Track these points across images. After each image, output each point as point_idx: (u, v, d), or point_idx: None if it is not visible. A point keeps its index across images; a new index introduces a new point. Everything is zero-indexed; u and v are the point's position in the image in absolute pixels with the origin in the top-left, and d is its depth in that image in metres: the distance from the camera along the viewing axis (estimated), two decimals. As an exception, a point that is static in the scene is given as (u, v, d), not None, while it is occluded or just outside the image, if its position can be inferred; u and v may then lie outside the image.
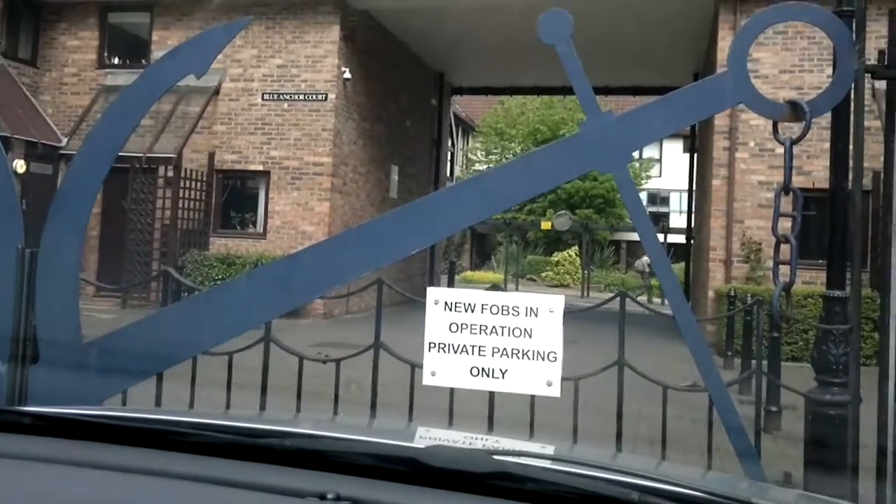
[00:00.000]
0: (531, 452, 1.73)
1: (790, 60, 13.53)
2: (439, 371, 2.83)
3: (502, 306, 2.76)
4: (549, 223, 31.06)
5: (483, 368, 2.79)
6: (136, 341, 2.68)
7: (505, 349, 2.77)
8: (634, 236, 40.58)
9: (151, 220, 15.46)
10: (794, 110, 2.66)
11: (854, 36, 2.80)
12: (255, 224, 16.49)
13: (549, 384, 2.75)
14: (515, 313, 2.76)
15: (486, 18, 16.80)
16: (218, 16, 16.24)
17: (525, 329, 2.75)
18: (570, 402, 3.42)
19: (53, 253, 2.66)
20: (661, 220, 32.87)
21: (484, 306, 2.78)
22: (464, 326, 2.79)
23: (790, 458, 6.05)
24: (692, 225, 20.49)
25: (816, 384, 5.07)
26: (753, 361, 8.82)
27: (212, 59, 2.84)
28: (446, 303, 2.81)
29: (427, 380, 2.84)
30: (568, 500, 1.35)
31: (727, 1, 14.07)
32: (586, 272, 32.04)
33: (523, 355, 2.76)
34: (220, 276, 14.93)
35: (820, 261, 9.07)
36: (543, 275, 35.47)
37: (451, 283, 25.05)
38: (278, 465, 1.45)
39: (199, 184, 16.04)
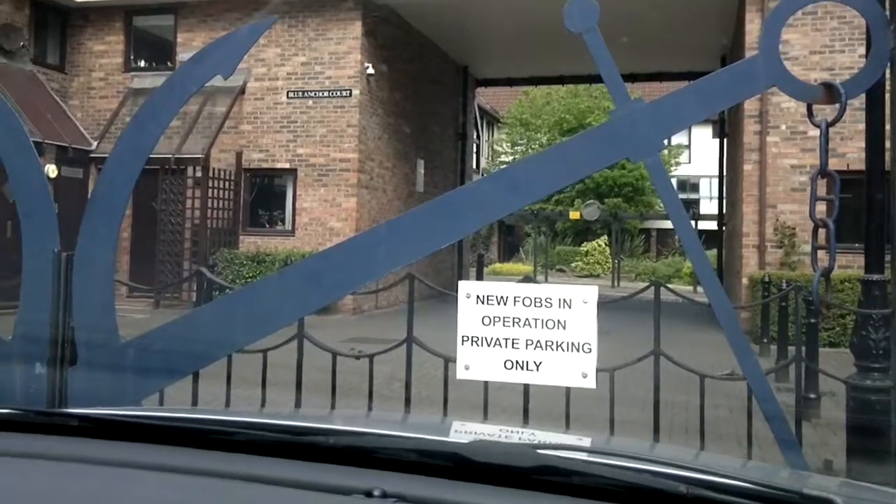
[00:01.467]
0: (574, 446, 1.72)
1: (821, 41, 13.32)
2: (473, 365, 2.81)
3: (535, 298, 2.74)
4: (578, 213, 30.94)
5: (517, 361, 2.76)
6: (172, 341, 2.68)
7: (539, 341, 2.73)
8: (665, 224, 40.48)
9: (182, 220, 15.59)
10: (829, 92, 2.60)
11: (889, 14, 2.74)
12: (283, 221, 16.57)
13: (585, 376, 2.72)
14: (549, 305, 2.73)
15: (509, 9, 16.72)
16: (242, 16, 16.32)
17: (559, 320, 2.72)
18: (604, 392, 3.39)
19: (89, 255, 2.70)
20: (691, 207, 32.63)
21: (516, 299, 2.75)
22: (496, 319, 2.76)
23: (830, 446, 5.98)
24: (723, 211, 20.30)
25: (856, 370, 5.00)
26: (790, 348, 8.76)
27: (238, 59, 2.80)
28: (478, 296, 2.78)
29: (461, 374, 2.82)
30: (613, 494, 1.33)
31: (753, -17, 13.88)
32: (616, 261, 31.87)
33: (557, 347, 2.73)
34: (250, 274, 15.03)
35: (856, 244, 8.98)
36: (573, 265, 35.35)
37: (479, 276, 25.03)
38: (323, 462, 1.44)
39: (227, 183, 16.14)
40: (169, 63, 17.02)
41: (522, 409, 3.36)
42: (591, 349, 2.71)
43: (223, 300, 3.02)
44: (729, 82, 2.68)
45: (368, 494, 1.29)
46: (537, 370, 2.75)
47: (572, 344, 2.71)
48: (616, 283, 29.35)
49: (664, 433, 3.61)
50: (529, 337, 2.74)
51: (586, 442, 1.92)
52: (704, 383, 3.36)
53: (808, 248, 13.14)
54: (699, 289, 3.69)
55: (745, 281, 13.53)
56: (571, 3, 2.62)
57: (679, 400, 3.50)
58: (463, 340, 2.79)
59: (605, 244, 35.24)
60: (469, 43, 19.92)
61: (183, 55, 16.71)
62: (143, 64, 17.66)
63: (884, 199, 4.81)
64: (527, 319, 2.74)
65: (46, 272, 2.72)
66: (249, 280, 15.01)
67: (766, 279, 11.39)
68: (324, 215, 15.92)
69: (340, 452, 1.47)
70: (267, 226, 16.62)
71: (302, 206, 16.10)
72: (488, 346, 2.77)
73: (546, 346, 2.73)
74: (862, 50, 9.05)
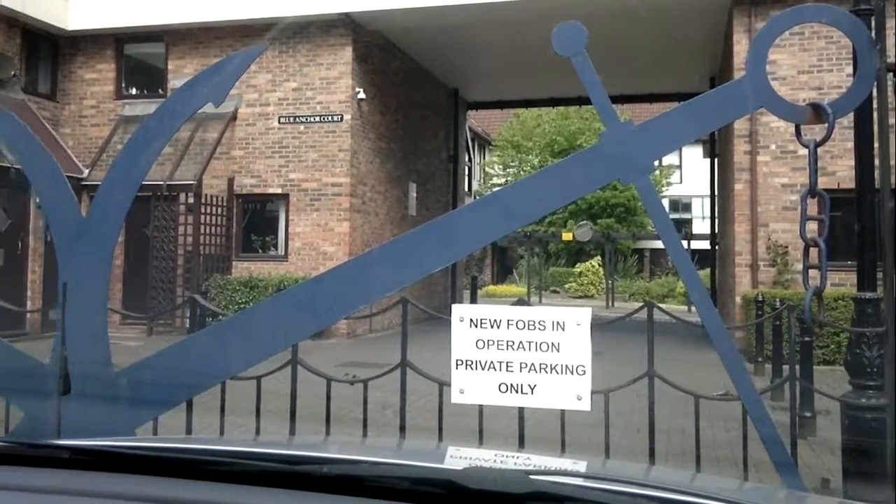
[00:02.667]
0: (568, 471, 1.71)
1: (808, 61, 13.43)
2: (468, 389, 2.81)
3: (528, 321, 2.75)
4: (571, 234, 30.96)
5: (512, 384, 2.76)
6: (164, 370, 2.69)
7: (533, 364, 2.74)
8: (658, 244, 40.55)
9: (174, 246, 15.56)
10: (816, 112, 2.62)
11: (874, 34, 2.75)
12: (276, 247, 16.55)
13: (579, 398, 2.72)
14: (542, 328, 2.74)
15: (498, 33, 16.83)
16: (233, 42, 16.40)
17: (552, 343, 2.73)
18: (598, 416, 3.38)
19: (81, 285, 2.70)
20: (683, 227, 32.71)
21: (510, 321, 2.76)
22: (490, 343, 2.77)
23: (827, 465, 5.96)
24: (716, 230, 20.35)
25: (851, 388, 4.99)
26: (785, 367, 8.75)
27: (229, 87, 2.85)
28: (471, 319, 2.79)
29: (455, 398, 2.81)
30: None
31: (741, 3, 14.00)
32: (610, 282, 31.89)
33: (552, 370, 2.73)
34: (243, 300, 14.98)
35: (849, 262, 8.99)
36: (567, 286, 35.37)
37: (473, 299, 25.00)
38: (316, 491, 1.45)
39: (219, 209, 16.14)
40: (160, 90, 17.06)
41: (518, 435, 3.34)
42: (585, 371, 2.71)
43: (215, 328, 3.01)
44: (717, 104, 2.70)
45: None
46: (532, 393, 2.74)
47: (566, 366, 2.71)
48: (611, 304, 29.35)
49: (660, 456, 3.59)
50: (524, 360, 2.74)
51: (580, 467, 1.92)
52: (699, 404, 3.36)
53: (800, 266, 13.19)
54: (693, 308, 3.72)
55: (738, 300, 13.55)
56: (560, 28, 2.65)
57: (673, 422, 3.50)
58: (457, 364, 2.79)
59: (599, 265, 35.27)
60: (459, 66, 20.03)
61: (174, 82, 16.77)
62: (134, 91, 17.69)
63: (874, 216, 4.82)
64: (521, 342, 2.74)
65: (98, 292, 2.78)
66: (243, 306, 14.95)
67: (760, 298, 11.40)
68: (316, 240, 15.91)
69: (334, 481, 1.47)
70: (260, 251, 16.60)
71: (295, 230, 16.09)
72: (483, 369, 2.77)
73: (540, 368, 2.73)
74: (850, 69, 9.10)
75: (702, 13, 15.39)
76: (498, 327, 2.77)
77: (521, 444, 3.35)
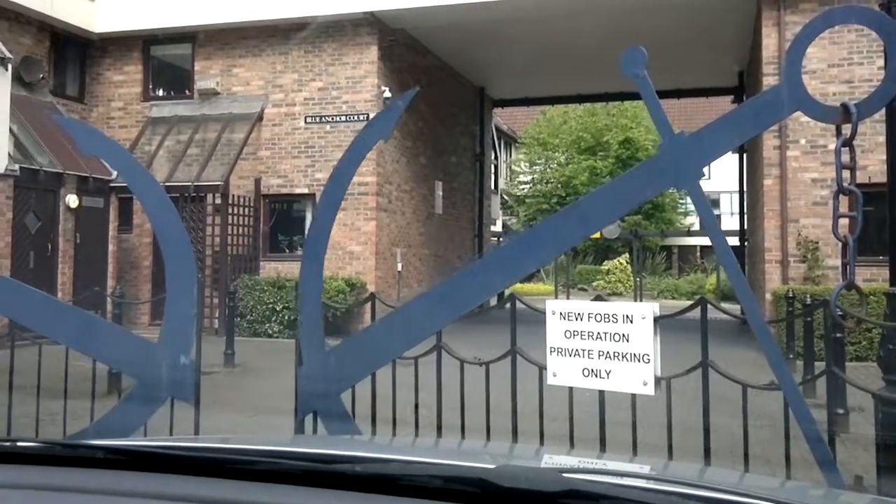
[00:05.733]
0: (601, 469, 1.71)
1: (838, 54, 13.24)
2: (559, 373, 3.25)
3: (604, 314, 3.15)
4: (598, 232, 30.79)
5: (592, 370, 3.17)
6: (355, 351, 3.55)
7: (608, 352, 3.13)
8: (686, 241, 40.24)
9: (202, 247, 15.66)
10: (846, 111, 2.72)
11: None
12: (303, 246, 16.59)
13: (645, 384, 3.06)
14: (615, 320, 3.12)
15: (523, 30, 16.77)
16: (258, 43, 16.48)
17: (623, 334, 3.10)
18: (643, 413, 3.44)
19: (308, 278, 3.61)
20: (711, 223, 32.37)
21: (590, 314, 3.18)
22: (575, 333, 3.20)
23: (860, 462, 5.87)
24: (745, 226, 20.15)
25: (884, 384, 4.89)
26: (816, 363, 8.63)
27: (394, 124, 3.66)
28: (561, 313, 3.24)
29: (550, 380, 3.27)
30: None
31: (769, -3, 13.84)
32: (638, 279, 31.70)
33: (622, 357, 3.10)
34: (271, 300, 15.06)
35: (881, 257, 8.83)
36: (594, 284, 35.19)
37: (500, 297, 24.93)
38: (349, 490, 1.46)
39: (246, 209, 16.23)
40: (187, 91, 17.19)
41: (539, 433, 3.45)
42: (650, 360, 3.05)
43: (385, 319, 3.55)
44: (757, 111, 2.95)
45: None
46: (608, 378, 3.14)
47: (634, 355, 3.08)
48: (639, 301, 29.15)
49: (690, 453, 3.55)
50: (601, 348, 3.15)
51: (614, 465, 1.91)
52: (745, 396, 3.34)
53: (831, 262, 13.02)
54: (722, 305, 3.81)
55: (768, 296, 13.39)
56: (626, 52, 3.04)
57: (714, 420, 3.47)
58: (551, 351, 3.26)
59: (627, 262, 35.07)
60: (485, 64, 19.99)
61: (201, 83, 16.87)
62: (161, 93, 17.83)
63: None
64: (598, 333, 3.16)
65: (188, 293, 3.73)
66: (271, 306, 15.05)
67: (790, 294, 11.26)
68: (343, 239, 15.95)
69: (367, 480, 1.48)
70: (287, 251, 16.67)
71: (321, 230, 16.12)
72: (570, 356, 3.21)
73: (614, 356, 3.12)
74: (880, 62, 8.96)
75: (730, 7, 15.23)
76: (580, 319, 3.19)
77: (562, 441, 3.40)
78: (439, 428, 3.64)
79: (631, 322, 3.08)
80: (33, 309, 3.86)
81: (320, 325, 3.58)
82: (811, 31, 2.78)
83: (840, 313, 3.65)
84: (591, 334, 3.15)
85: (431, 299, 3.47)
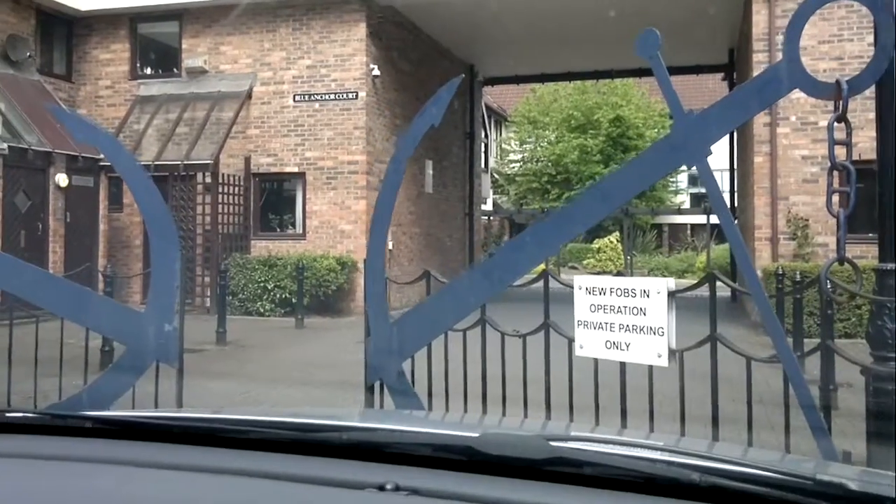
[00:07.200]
0: (588, 437, 1.73)
1: (829, 30, 13.23)
2: (585, 345, 3.40)
3: (624, 289, 3.29)
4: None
5: (614, 342, 3.30)
6: (416, 321, 3.77)
7: (627, 325, 3.26)
8: (676, 219, 40.29)
9: (193, 226, 15.62)
10: (839, 87, 2.76)
11: (894, 6, 2.82)
12: (294, 225, 16.59)
13: (659, 356, 3.18)
14: (633, 295, 3.25)
15: (513, 7, 16.68)
16: (246, 21, 16.34)
17: (640, 308, 3.22)
18: (631, 384, 3.53)
19: (374, 257, 3.90)
20: (703, 201, 32.48)
21: (611, 289, 3.32)
22: (599, 307, 3.35)
23: (849, 436, 5.92)
24: (735, 204, 20.20)
25: (872, 360, 4.93)
26: (806, 340, 8.69)
27: (442, 111, 3.86)
28: (587, 288, 3.40)
29: (577, 351, 3.44)
30: (627, 484, 1.34)
31: (760, -26, 13.80)
32: (629, 258, 31.78)
33: (640, 330, 3.23)
34: (262, 279, 15.05)
35: (870, 234, 8.87)
36: (585, 262, 35.27)
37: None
38: (336, 458, 1.47)
39: (236, 188, 16.17)
40: (175, 70, 17.07)
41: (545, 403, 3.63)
42: (664, 333, 3.17)
43: (436, 295, 3.85)
44: (758, 90, 3.05)
45: (381, 488, 1.31)
46: (627, 350, 3.27)
47: (650, 328, 3.20)
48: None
49: (695, 424, 3.61)
50: (622, 322, 3.28)
51: (600, 432, 1.93)
52: (750, 367, 3.40)
53: (821, 239, 13.07)
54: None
55: (758, 273, 13.43)
56: (640, 35, 3.13)
57: (695, 392, 3.51)
58: (578, 324, 3.41)
59: (617, 240, 35.12)
60: (475, 41, 19.89)
61: (188, 61, 16.74)
62: (149, 71, 17.70)
63: (895, 188, 4.77)
64: (619, 307, 3.29)
65: (172, 268, 3.94)
66: (262, 284, 15.05)
67: (780, 271, 11.31)
68: (334, 218, 15.93)
69: (353, 448, 1.49)
70: (278, 230, 16.65)
71: (312, 209, 16.11)
72: (594, 329, 3.37)
73: (632, 329, 3.26)
74: (870, 38, 8.96)
75: (720, -17, 15.18)
76: (603, 294, 3.34)
77: (548, 412, 3.50)
78: (484, 396, 3.85)
79: (647, 296, 3.20)
80: (29, 282, 4.14)
81: (385, 299, 3.84)
82: (808, 9, 2.82)
83: (831, 288, 3.71)
84: (612, 308, 3.30)
85: (475, 275, 3.77)
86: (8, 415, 1.76)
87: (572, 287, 3.45)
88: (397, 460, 1.44)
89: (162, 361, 3.98)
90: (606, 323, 3.31)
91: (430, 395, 3.89)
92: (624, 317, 3.26)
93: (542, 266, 4.04)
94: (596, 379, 3.55)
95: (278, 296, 15.01)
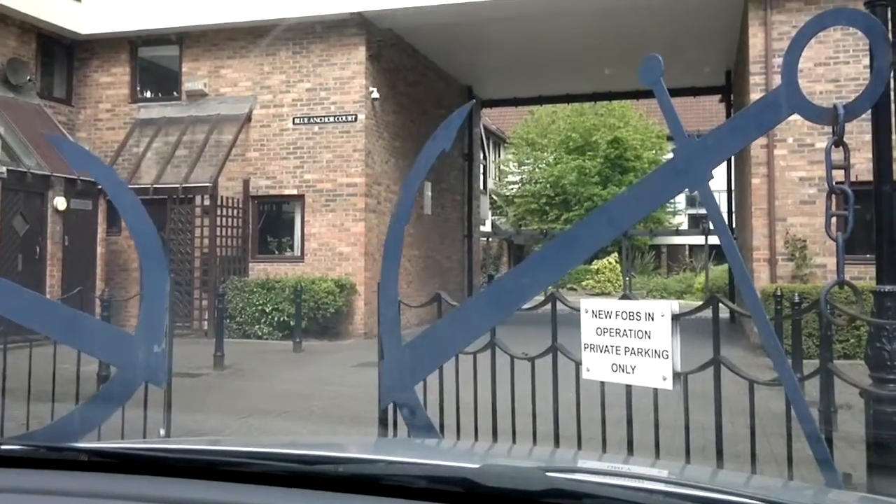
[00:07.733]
0: (585, 468, 1.71)
1: (825, 53, 13.31)
2: (592, 368, 3.40)
3: (629, 312, 3.29)
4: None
5: (620, 365, 3.29)
6: (427, 344, 3.77)
7: (632, 348, 3.26)
8: (675, 240, 40.29)
9: (191, 249, 15.62)
10: (837, 112, 2.77)
11: (889, 30, 2.86)
12: (292, 248, 16.58)
13: (664, 378, 3.16)
14: (638, 318, 3.24)
15: (511, 30, 16.78)
16: (246, 44, 16.44)
17: (645, 331, 3.22)
18: (621, 412, 3.48)
19: (387, 284, 3.86)
20: (701, 222, 32.51)
21: (617, 313, 3.32)
22: (605, 330, 3.35)
23: (849, 460, 5.89)
24: (733, 225, 20.21)
25: (871, 381, 4.91)
26: (805, 361, 8.66)
27: (454, 136, 3.90)
28: (593, 311, 3.40)
29: (584, 374, 3.43)
30: None
31: (756, -4, 13.89)
32: (627, 279, 31.76)
33: (645, 353, 3.22)
34: (260, 302, 15.03)
35: (868, 255, 8.88)
36: (584, 283, 35.25)
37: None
38: (333, 491, 1.46)
39: (235, 211, 16.18)
40: (175, 93, 17.13)
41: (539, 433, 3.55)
42: (668, 356, 3.16)
43: (449, 317, 3.83)
44: (757, 115, 3.07)
45: None
46: (633, 373, 3.26)
47: (655, 351, 3.20)
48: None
49: (680, 453, 3.57)
50: (627, 345, 3.28)
51: (598, 464, 1.91)
52: (753, 392, 3.37)
53: (819, 260, 13.07)
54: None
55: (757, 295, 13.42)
56: (644, 61, 3.16)
57: (695, 418, 3.49)
58: (584, 347, 3.41)
59: (616, 261, 35.13)
60: (473, 64, 19.99)
61: (188, 84, 16.81)
62: (149, 94, 17.76)
63: (893, 209, 4.78)
64: (624, 330, 3.29)
65: (161, 290, 4.03)
66: (260, 308, 15.02)
67: (779, 292, 11.29)
68: (332, 240, 15.93)
69: (351, 481, 1.48)
70: (276, 252, 16.63)
71: (310, 231, 16.12)
72: (601, 352, 3.37)
73: (637, 352, 3.25)
74: (866, 60, 9.02)
75: (716, 6, 15.29)
76: (609, 317, 3.34)
77: (535, 439, 3.39)
78: (494, 423, 3.89)
79: (652, 319, 3.20)
80: (23, 306, 4.17)
81: (398, 323, 3.85)
82: (805, 35, 2.85)
83: (829, 311, 3.69)
84: (618, 331, 3.30)
85: (484, 299, 3.83)
86: (2, 447, 1.73)
87: (579, 310, 3.45)
88: (395, 493, 1.43)
89: (151, 383, 4.01)
90: (612, 346, 3.32)
91: (441, 419, 3.92)
92: (629, 340, 3.26)
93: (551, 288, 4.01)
94: (602, 403, 3.53)
95: (276, 319, 14.98)
